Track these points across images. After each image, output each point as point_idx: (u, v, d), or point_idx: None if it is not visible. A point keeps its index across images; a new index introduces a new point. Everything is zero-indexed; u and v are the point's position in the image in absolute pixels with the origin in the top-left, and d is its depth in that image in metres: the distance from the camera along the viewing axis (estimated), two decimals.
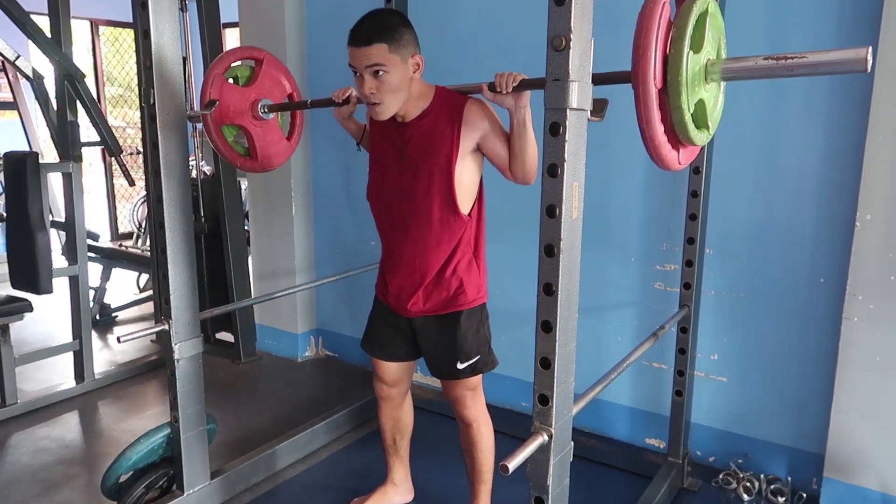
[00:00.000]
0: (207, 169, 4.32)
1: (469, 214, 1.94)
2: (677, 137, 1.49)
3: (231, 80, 2.40)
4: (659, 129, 1.43)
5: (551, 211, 1.31)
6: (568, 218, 1.32)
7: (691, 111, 1.44)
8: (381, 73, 1.78)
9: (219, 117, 2.35)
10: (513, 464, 1.28)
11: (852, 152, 2.19)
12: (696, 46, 1.42)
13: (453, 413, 2.10)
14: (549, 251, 1.33)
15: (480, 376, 2.04)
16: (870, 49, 1.24)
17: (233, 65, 2.42)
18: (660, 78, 1.38)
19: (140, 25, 1.97)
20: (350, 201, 3.61)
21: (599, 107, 1.43)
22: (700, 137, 1.51)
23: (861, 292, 2.13)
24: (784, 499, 2.39)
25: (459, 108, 1.87)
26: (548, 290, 1.34)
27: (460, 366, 1.98)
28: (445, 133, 1.87)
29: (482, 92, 1.77)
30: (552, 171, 1.30)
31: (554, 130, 1.28)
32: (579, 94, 1.28)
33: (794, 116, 2.32)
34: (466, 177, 1.91)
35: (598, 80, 1.43)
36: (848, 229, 2.18)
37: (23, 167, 2.98)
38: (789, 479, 2.43)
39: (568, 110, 1.27)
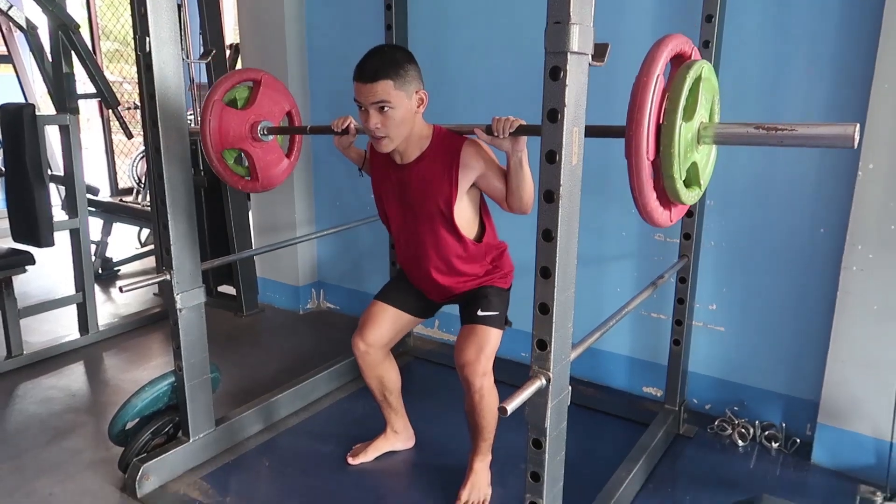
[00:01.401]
0: None
1: (476, 239, 2.06)
2: (669, 200, 1.55)
3: (230, 103, 2.43)
4: (651, 196, 1.49)
5: (551, 157, 1.30)
6: (568, 164, 1.31)
7: (683, 178, 1.50)
8: (386, 108, 1.83)
9: (219, 143, 2.38)
10: (511, 406, 1.30)
11: (857, 101, 2.16)
12: (689, 114, 1.47)
13: (461, 381, 2.03)
14: (549, 197, 1.32)
15: (494, 346, 2.03)
16: (857, 127, 1.32)
17: (231, 88, 2.44)
18: (653, 151, 1.43)
19: None
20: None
21: (601, 51, 1.40)
22: (691, 196, 1.57)
23: (861, 242, 2.14)
24: (778, 444, 2.44)
25: (457, 151, 1.92)
26: (547, 236, 1.34)
27: (481, 313, 2.04)
28: (444, 177, 1.93)
29: (478, 135, 1.81)
30: (552, 116, 1.28)
31: (554, 74, 1.27)
32: (580, 37, 1.25)
33: (798, 65, 2.28)
34: (468, 211, 2.01)
35: (592, 132, 1.53)
36: (850, 179, 2.17)
37: (19, 119, 2.96)
38: (783, 425, 2.48)
39: (569, 54, 1.25)
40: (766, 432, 2.48)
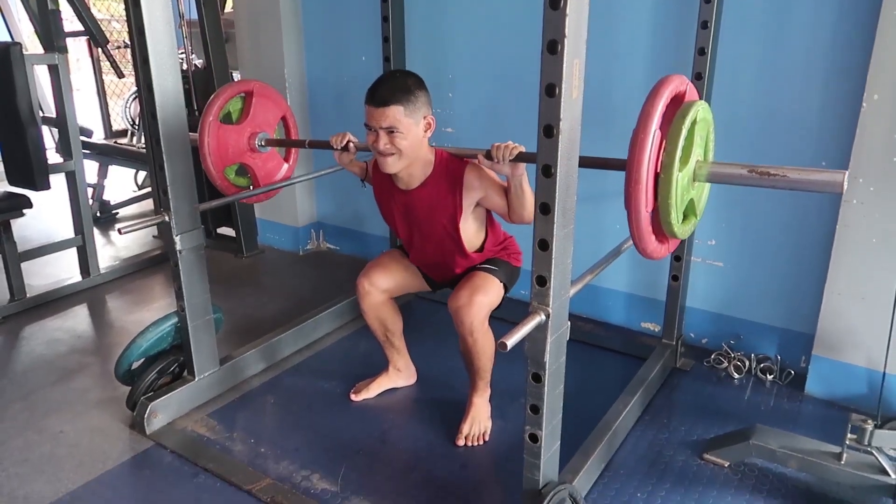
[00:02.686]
0: (198, 62, 4.19)
1: (479, 250, 2.14)
2: (667, 237, 1.61)
3: (225, 115, 2.44)
4: (651, 239, 1.56)
5: (550, 90, 1.28)
6: (568, 97, 1.29)
7: (680, 221, 1.56)
8: (395, 133, 1.89)
9: (220, 162, 2.42)
10: (511, 341, 1.32)
11: (862, 32, 2.11)
12: (685, 159, 1.50)
13: (455, 325, 2.05)
14: (548, 132, 1.30)
15: (492, 302, 2.05)
16: (846, 174, 1.39)
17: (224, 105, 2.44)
18: (651, 202, 1.49)
19: None
20: (346, 94, 3.52)
21: None
22: (687, 230, 1.65)
23: (862, 175, 2.12)
24: (772, 376, 2.49)
25: (459, 175, 2.00)
26: (546, 171, 1.33)
27: (480, 265, 2.13)
28: (448, 200, 2.02)
29: (479, 161, 1.84)
30: (552, 47, 1.25)
31: (554, 3, 1.23)
32: None
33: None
34: (472, 227, 2.09)
35: (592, 164, 1.68)
36: (853, 113, 2.14)
37: (7, 59, 2.89)
38: (779, 357, 2.52)
39: None
40: (762, 365, 2.52)
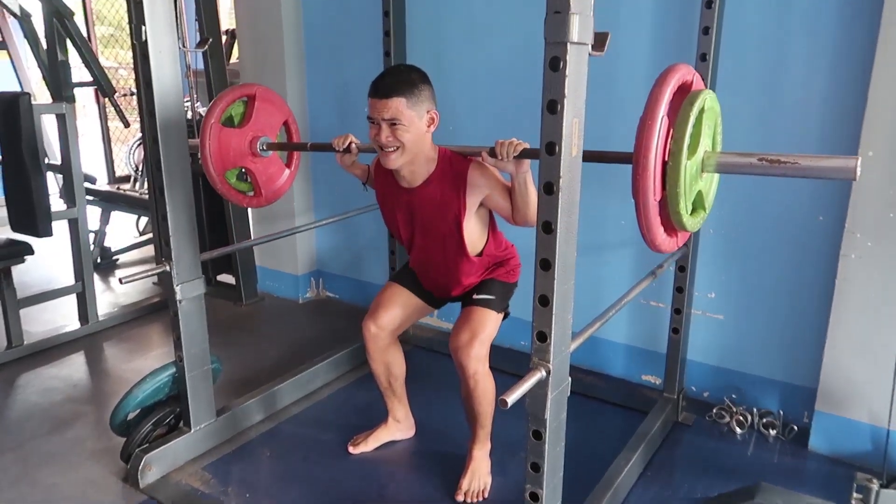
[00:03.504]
0: (203, 110, 4.26)
1: (480, 254, 2.10)
2: (675, 230, 1.59)
3: (227, 118, 2.42)
4: (659, 231, 1.53)
5: (550, 148, 1.30)
6: (567, 155, 1.31)
7: (689, 211, 1.53)
8: (397, 125, 1.87)
9: (221, 165, 2.39)
10: (511, 398, 1.31)
11: (856, 89, 2.15)
12: (693, 148, 1.48)
13: (456, 367, 2.06)
14: (549, 189, 1.32)
15: (491, 331, 2.05)
16: (859, 160, 1.35)
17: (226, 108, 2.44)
18: (659, 191, 1.46)
19: None
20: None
21: (601, 40, 1.39)
22: (696, 222, 1.61)
23: (860, 230, 2.14)
24: (775, 431, 2.45)
25: (463, 173, 1.97)
26: (547, 227, 1.34)
27: (476, 296, 2.10)
28: (452, 199, 1.98)
29: (482, 158, 1.83)
30: (551, 107, 1.28)
31: (554, 65, 1.26)
32: (580, 26, 1.25)
33: (799, 50, 2.27)
34: (476, 229, 2.06)
35: (598, 157, 1.61)
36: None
37: (16, 108, 2.94)
38: (781, 412, 2.49)
39: (568, 44, 1.24)
40: (764, 419, 2.49)
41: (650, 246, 1.57)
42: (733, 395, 2.61)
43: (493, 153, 1.78)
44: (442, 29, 3.09)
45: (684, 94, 1.52)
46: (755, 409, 2.52)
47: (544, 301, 1.38)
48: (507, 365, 2.50)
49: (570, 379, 1.50)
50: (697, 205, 1.59)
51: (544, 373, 1.40)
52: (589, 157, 1.42)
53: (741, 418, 2.50)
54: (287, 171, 2.61)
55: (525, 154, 1.75)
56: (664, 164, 1.45)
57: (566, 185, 1.32)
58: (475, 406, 2.09)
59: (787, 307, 2.46)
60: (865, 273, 2.15)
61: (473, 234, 2.05)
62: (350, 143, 2.14)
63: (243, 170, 2.49)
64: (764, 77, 2.35)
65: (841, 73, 2.21)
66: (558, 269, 1.35)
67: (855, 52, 2.16)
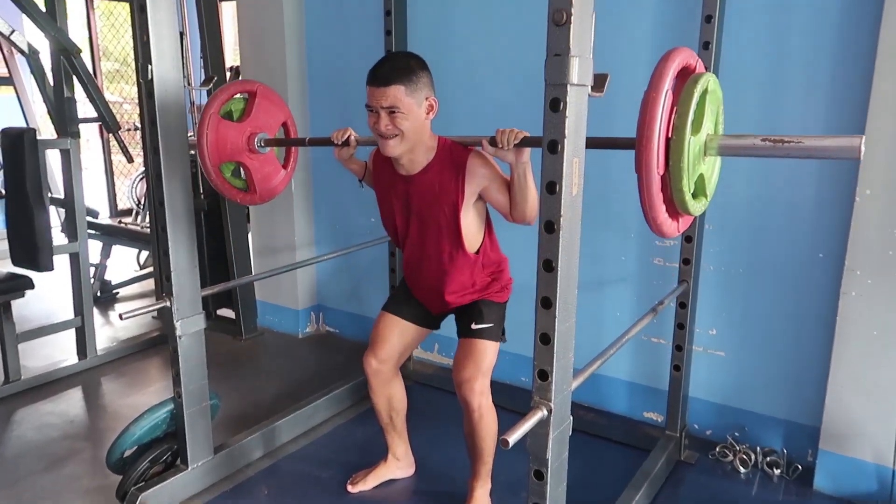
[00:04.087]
0: None
1: (477, 252, 2.06)
2: (677, 211, 1.56)
3: (227, 112, 2.40)
4: (661, 209, 1.51)
5: (551, 187, 1.31)
6: (568, 194, 1.32)
7: (692, 191, 1.51)
8: (396, 112, 1.85)
9: (217, 156, 2.36)
10: (513, 438, 1.30)
11: (853, 128, 2.18)
12: (697, 127, 1.48)
13: (459, 399, 2.06)
14: (549, 227, 1.33)
15: (491, 364, 2.05)
16: (862, 139, 1.32)
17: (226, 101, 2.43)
18: (662, 165, 1.44)
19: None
20: (351, 178, 3.59)
21: (600, 81, 1.42)
22: (698, 207, 1.59)
23: (859, 267, 2.14)
24: (780, 471, 2.42)
25: (462, 162, 1.94)
26: (547, 266, 1.35)
27: (474, 326, 2.07)
28: (450, 187, 1.95)
29: (483, 147, 1.83)
30: (552, 147, 1.29)
31: (554, 106, 1.28)
32: (580, 69, 1.27)
33: (794, 93, 2.31)
34: (473, 224, 2.02)
35: (600, 143, 1.56)
36: (848, 204, 2.18)
37: (20, 143, 2.97)
38: (785, 451, 2.46)
39: (568, 86, 1.26)
40: (768, 458, 2.46)
41: (652, 225, 1.53)
42: (736, 434, 2.59)
43: (493, 142, 1.77)
44: (445, 26, 3.09)
45: (687, 78, 1.51)
46: (759, 448, 2.50)
47: (545, 339, 1.37)
48: (508, 402, 2.48)
49: (571, 418, 1.49)
50: (699, 190, 1.56)
51: (546, 412, 1.39)
52: (592, 143, 1.40)
53: (745, 457, 2.48)
54: (283, 172, 2.57)
55: (525, 143, 1.73)
56: (668, 139, 1.44)
57: (567, 224, 1.32)
58: (478, 441, 2.07)
59: (788, 344, 2.45)
60: (866, 311, 2.15)
61: (471, 228, 2.01)
62: (349, 136, 2.11)
63: (239, 166, 2.44)
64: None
65: (836, 117, 2.24)
66: (559, 307, 1.35)
67: (850, 96, 2.19)
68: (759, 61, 2.37)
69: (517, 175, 1.82)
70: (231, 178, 2.46)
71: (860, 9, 2.14)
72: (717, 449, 2.55)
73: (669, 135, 1.44)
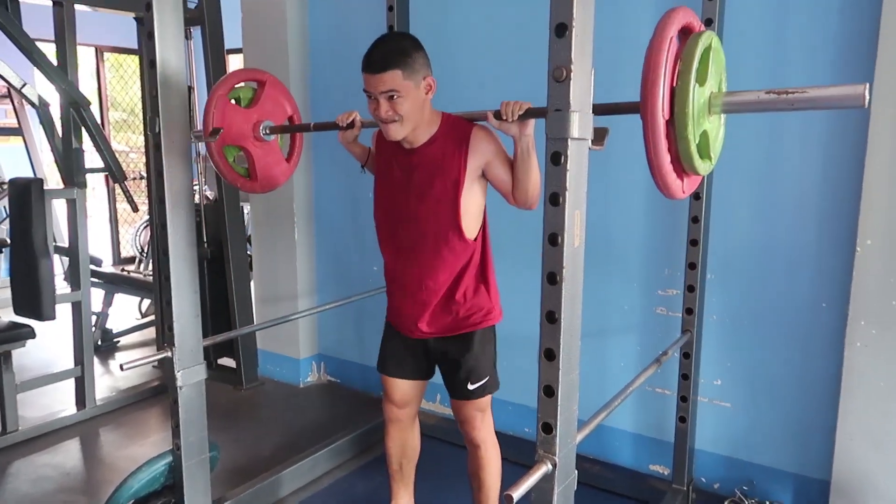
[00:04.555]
0: (210, 194, 4.34)
1: (475, 239, 1.98)
2: (682, 167, 1.53)
3: (233, 101, 2.42)
4: (666, 158, 1.47)
5: (553, 239, 1.32)
6: (570, 246, 1.32)
7: (696, 142, 1.49)
8: (395, 97, 1.82)
9: (220, 138, 2.35)
10: (517, 493, 1.27)
11: (851, 177, 2.20)
12: (701, 80, 1.47)
13: (462, 436, 2.10)
14: (552, 279, 1.33)
15: (490, 398, 2.05)
16: (867, 86, 1.30)
17: (236, 86, 2.45)
18: (667, 110, 1.42)
19: (146, 55, 2.00)
20: (353, 225, 3.63)
21: (600, 135, 1.44)
22: (703, 167, 1.56)
23: (863, 318, 2.13)
24: None
25: (466, 135, 1.91)
26: (550, 317, 1.34)
27: (471, 387, 2.03)
28: (452, 160, 1.91)
29: (487, 119, 1.80)
30: (554, 199, 1.31)
31: (555, 160, 1.30)
32: (580, 123, 1.29)
33: (793, 141, 2.34)
34: (472, 204, 1.95)
35: (603, 110, 1.50)
36: (849, 254, 2.19)
37: (28, 193, 3.01)
38: None
39: (569, 140, 1.28)
40: None
41: (656, 176, 1.49)
42: (745, 487, 2.54)
43: (498, 115, 1.74)
44: (447, 8, 3.09)
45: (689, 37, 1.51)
46: (768, 502, 2.44)
47: (549, 392, 1.36)
48: (512, 453, 2.43)
49: (576, 472, 1.47)
50: (703, 149, 1.54)
51: (550, 466, 1.36)
52: (599, 110, 1.39)
53: None
54: (286, 165, 2.56)
55: (530, 114, 1.71)
56: (672, 89, 1.43)
57: (569, 276, 1.33)
58: (484, 477, 2.08)
59: (795, 395, 2.43)
60: (872, 361, 2.13)
61: (470, 209, 1.95)
62: (354, 118, 2.09)
63: (241, 152, 2.44)
64: (759, 176, 2.40)
65: (834, 167, 2.26)
66: (563, 359, 1.34)
67: (847, 146, 2.22)
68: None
69: (520, 149, 1.78)
70: (234, 163, 2.46)
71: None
72: (726, 503, 2.49)
73: (674, 83, 1.43)
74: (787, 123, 2.33)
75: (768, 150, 2.38)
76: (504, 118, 1.73)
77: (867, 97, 1.31)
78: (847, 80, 2.12)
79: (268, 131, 2.44)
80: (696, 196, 2.30)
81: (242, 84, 2.48)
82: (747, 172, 2.42)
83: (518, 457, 2.60)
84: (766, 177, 2.40)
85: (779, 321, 2.43)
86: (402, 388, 2.17)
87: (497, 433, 2.09)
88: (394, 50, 1.81)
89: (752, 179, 2.42)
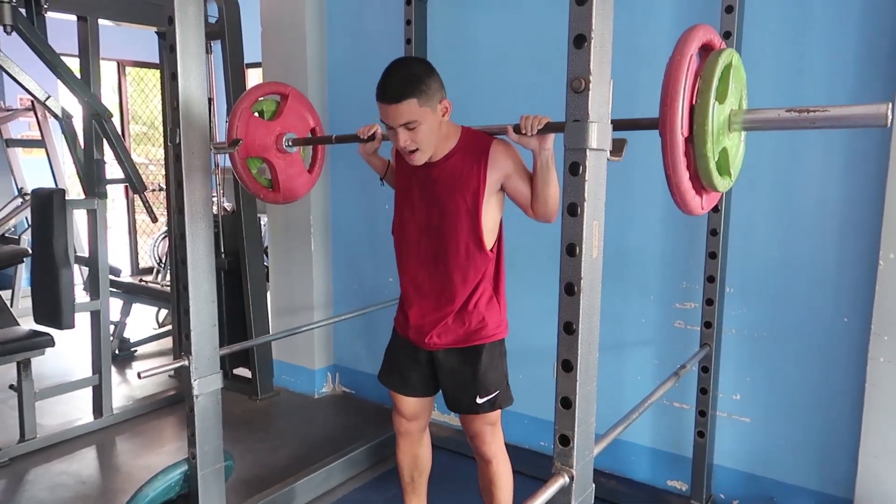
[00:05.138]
0: (228, 205, 4.38)
1: (492, 250, 1.99)
2: (701, 184, 1.53)
3: (257, 114, 2.46)
4: (684, 175, 1.47)
5: (571, 250, 1.31)
6: (588, 257, 1.32)
7: (716, 159, 1.48)
8: (413, 127, 1.83)
9: (244, 150, 2.40)
10: None
11: (873, 190, 2.18)
12: (721, 97, 1.47)
13: (472, 450, 2.09)
14: (570, 290, 1.32)
15: (499, 412, 2.04)
16: (890, 105, 1.30)
17: (259, 99, 2.48)
18: (686, 127, 1.43)
19: (168, 68, 2.03)
20: (369, 238, 3.64)
21: (619, 146, 1.44)
22: (723, 184, 1.55)
23: (886, 332, 2.10)
24: None
25: (485, 149, 1.92)
26: (568, 328, 1.34)
27: (480, 400, 2.00)
28: (472, 173, 1.91)
29: (507, 133, 1.81)
30: (572, 210, 1.30)
31: (574, 170, 1.29)
32: (599, 134, 1.29)
33: (813, 155, 2.32)
34: (490, 216, 1.96)
35: (622, 125, 1.51)
36: (871, 268, 2.16)
37: (49, 204, 3.05)
38: None
39: (587, 150, 1.28)
40: None
41: (675, 193, 1.48)
42: None
43: (517, 129, 1.75)
44: (465, 31, 3.11)
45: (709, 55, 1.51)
46: None
47: (567, 403, 1.35)
48: (528, 468, 2.42)
49: (594, 486, 1.45)
50: (723, 166, 1.52)
51: (567, 479, 1.35)
52: (618, 125, 1.38)
53: None
54: (308, 176, 2.59)
55: (549, 128, 1.71)
56: (691, 106, 1.42)
57: (587, 287, 1.32)
58: (495, 492, 2.06)
59: (816, 411, 2.39)
60: (895, 377, 2.09)
61: (488, 222, 1.95)
62: (375, 131, 2.09)
63: (264, 164, 2.47)
64: (779, 189, 2.38)
65: (856, 180, 2.24)
66: (581, 370, 1.33)
67: (869, 158, 2.20)
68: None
69: (540, 163, 1.79)
70: (257, 174, 2.49)
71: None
72: None
73: (693, 101, 1.43)
74: (807, 136, 2.31)
75: (789, 162, 2.36)
76: (523, 132, 1.74)
77: (890, 117, 1.31)
78: (867, 97, 2.14)
79: (290, 143, 2.48)
80: (715, 209, 2.29)
81: (266, 97, 2.51)
82: (767, 185, 2.40)
83: (534, 471, 2.59)
84: (786, 189, 2.38)
85: (800, 336, 2.40)
86: (409, 402, 2.17)
87: (512, 446, 2.08)
88: (407, 78, 1.80)
89: (772, 192, 2.40)
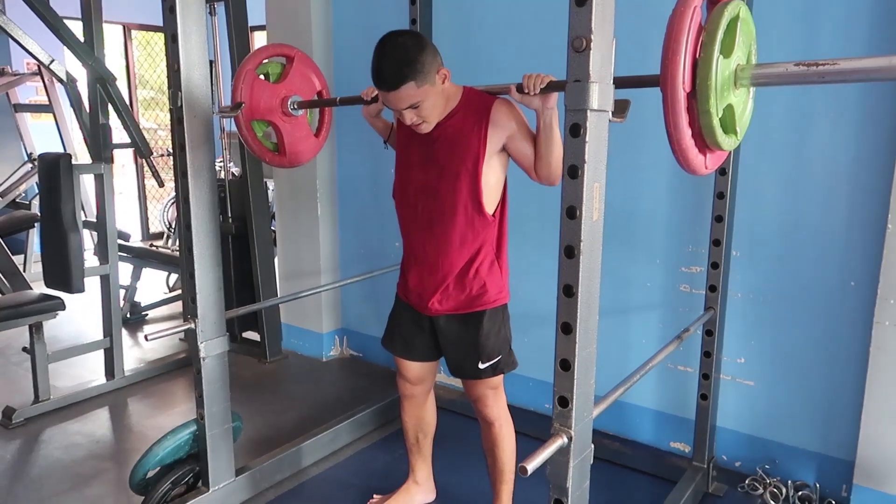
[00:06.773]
0: (235, 170, 4.38)
1: (493, 215, 1.96)
2: (705, 142, 1.47)
3: (262, 77, 2.44)
4: (686, 132, 1.42)
5: (571, 212, 1.30)
6: (588, 219, 1.31)
7: (720, 116, 1.43)
8: (416, 105, 1.81)
9: (249, 113, 2.38)
10: (531, 465, 1.27)
11: (883, 154, 2.14)
12: (727, 51, 1.41)
13: (475, 413, 2.11)
14: (570, 252, 1.32)
15: (502, 376, 2.05)
16: None
17: (264, 61, 2.45)
18: (689, 82, 1.37)
19: (168, 29, 2.01)
20: (375, 202, 3.63)
21: (621, 107, 1.42)
22: (728, 143, 1.50)
23: (893, 296, 2.09)
24: None
25: (487, 109, 1.88)
26: (568, 291, 1.34)
27: (482, 365, 2.00)
28: (473, 133, 1.88)
29: (510, 93, 1.78)
30: (572, 172, 1.29)
31: (574, 131, 1.28)
32: (600, 95, 1.27)
33: (824, 117, 2.27)
34: (492, 177, 1.92)
35: (625, 83, 1.46)
36: (879, 232, 2.14)
37: (56, 168, 3.06)
38: (817, 485, 2.39)
39: (588, 111, 1.26)
40: (800, 493, 2.39)
41: (676, 150, 1.44)
42: (767, 466, 2.51)
43: (520, 88, 1.72)
44: (469, 29, 3.06)
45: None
46: (790, 482, 2.42)
47: (565, 365, 1.36)
48: (530, 428, 2.44)
49: (592, 446, 1.46)
50: (728, 123, 1.47)
51: (566, 439, 1.36)
52: (620, 83, 1.35)
53: (775, 490, 2.41)
54: (314, 140, 2.58)
55: (552, 87, 1.69)
56: (694, 60, 1.37)
57: (587, 250, 1.32)
58: (498, 453, 2.09)
59: (820, 374, 2.39)
60: None
61: (490, 182, 1.91)
62: (377, 93, 2.01)
63: (270, 127, 2.46)
64: (788, 152, 2.35)
65: (866, 144, 2.20)
66: (580, 332, 1.34)
67: (879, 123, 2.15)
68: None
69: (543, 123, 1.76)
70: (262, 137, 2.48)
71: None
72: (747, 482, 2.48)
73: (697, 54, 1.37)
74: (819, 98, 2.27)
75: (799, 125, 2.32)
76: (526, 91, 1.71)
77: None
78: (882, 52, 2.08)
79: (296, 106, 2.46)
80: (722, 171, 2.26)
81: (271, 60, 2.48)
82: (776, 148, 2.37)
83: (537, 432, 2.60)
84: (795, 153, 2.34)
85: (805, 299, 2.39)
86: (413, 367, 2.18)
87: (515, 408, 2.10)
88: (401, 61, 1.75)
89: (780, 155, 2.37)
